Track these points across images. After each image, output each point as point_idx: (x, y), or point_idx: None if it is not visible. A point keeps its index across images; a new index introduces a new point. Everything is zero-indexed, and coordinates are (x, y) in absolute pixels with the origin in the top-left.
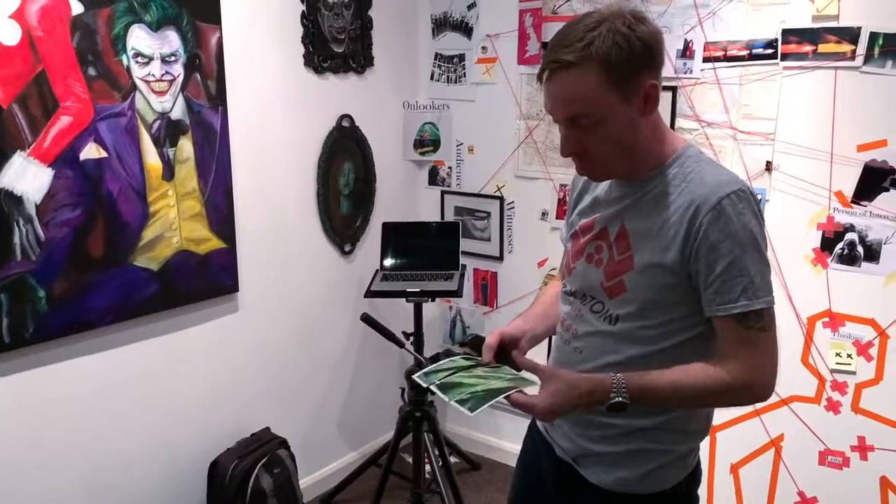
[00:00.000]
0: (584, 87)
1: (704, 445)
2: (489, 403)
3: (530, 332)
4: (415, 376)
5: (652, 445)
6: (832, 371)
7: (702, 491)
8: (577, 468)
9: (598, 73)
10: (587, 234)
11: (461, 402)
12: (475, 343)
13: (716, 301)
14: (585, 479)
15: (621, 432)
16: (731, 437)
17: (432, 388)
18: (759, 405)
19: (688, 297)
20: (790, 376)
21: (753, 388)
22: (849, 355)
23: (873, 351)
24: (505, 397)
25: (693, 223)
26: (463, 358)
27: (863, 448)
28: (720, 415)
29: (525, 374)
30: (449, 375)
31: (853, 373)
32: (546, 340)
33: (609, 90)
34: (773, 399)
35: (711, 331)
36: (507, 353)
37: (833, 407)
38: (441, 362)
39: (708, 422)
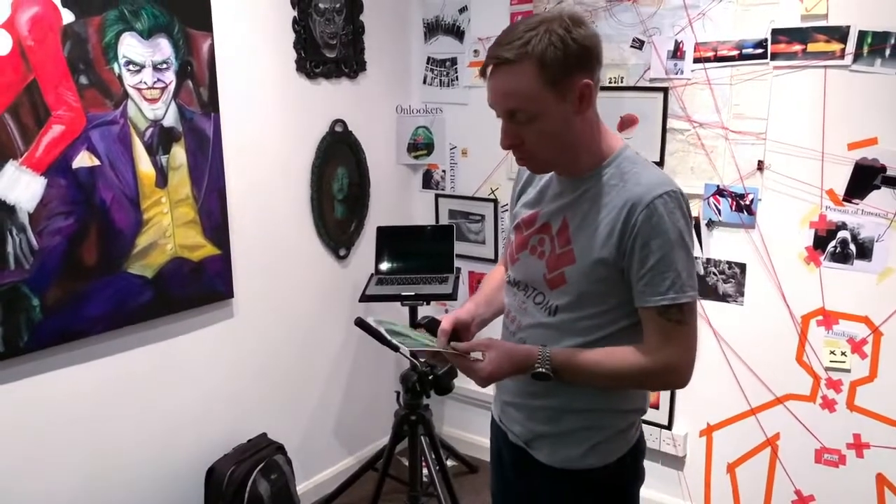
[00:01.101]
0: (520, 83)
1: (701, 446)
2: (422, 349)
3: (479, 316)
4: (369, 319)
5: (589, 423)
6: (827, 369)
7: (699, 491)
8: (528, 451)
9: (534, 71)
10: (530, 228)
11: (398, 338)
12: (430, 326)
13: (646, 293)
14: (538, 461)
15: (560, 413)
16: (726, 437)
17: (381, 329)
18: (754, 404)
19: (620, 290)
20: (785, 375)
21: (667, 374)
22: (843, 353)
23: (867, 348)
24: (451, 357)
25: (628, 221)
26: (425, 338)
27: (858, 446)
28: (715, 414)
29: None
30: (402, 335)
31: (848, 370)
32: (493, 322)
33: (544, 87)
34: (768, 398)
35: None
36: (458, 336)
37: (828, 405)
38: (401, 326)
39: (644, 401)
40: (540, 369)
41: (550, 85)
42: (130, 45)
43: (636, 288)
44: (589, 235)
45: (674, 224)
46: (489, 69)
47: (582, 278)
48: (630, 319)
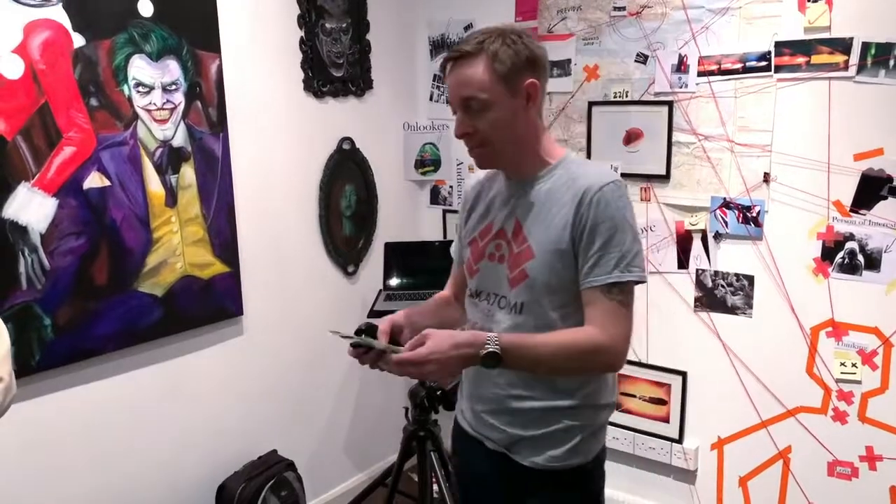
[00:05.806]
0: (476, 74)
1: (712, 459)
2: (364, 340)
3: (414, 324)
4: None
5: (572, 422)
6: (837, 381)
7: None
8: (510, 455)
9: (488, 64)
10: (486, 238)
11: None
12: (369, 330)
13: (592, 273)
14: (518, 463)
15: (543, 412)
16: (738, 450)
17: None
18: (765, 417)
19: (580, 278)
20: (795, 387)
21: (605, 352)
22: (853, 364)
23: (878, 360)
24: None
25: (579, 208)
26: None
27: (871, 458)
28: (726, 427)
29: None
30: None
31: (858, 382)
32: None
33: (497, 81)
34: (779, 410)
35: None
36: (395, 340)
37: (840, 417)
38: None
39: (613, 395)
40: (490, 348)
41: (502, 80)
42: (140, 67)
43: (583, 270)
44: (544, 229)
45: (619, 209)
46: (449, 64)
47: (542, 271)
48: None
